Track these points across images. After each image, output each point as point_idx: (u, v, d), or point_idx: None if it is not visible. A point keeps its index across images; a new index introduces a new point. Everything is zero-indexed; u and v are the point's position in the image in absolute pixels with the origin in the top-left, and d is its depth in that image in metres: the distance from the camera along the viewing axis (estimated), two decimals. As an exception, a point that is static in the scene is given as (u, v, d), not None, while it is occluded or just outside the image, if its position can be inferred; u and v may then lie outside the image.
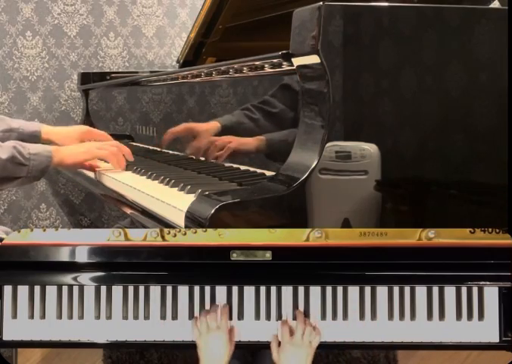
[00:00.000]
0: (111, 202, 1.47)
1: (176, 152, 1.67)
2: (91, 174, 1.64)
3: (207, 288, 1.21)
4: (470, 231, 1.13)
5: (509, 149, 1.05)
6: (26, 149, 1.33)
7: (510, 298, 1.18)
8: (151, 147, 1.84)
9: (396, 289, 1.21)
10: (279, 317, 1.20)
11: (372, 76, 1.03)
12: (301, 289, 1.21)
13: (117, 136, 2.04)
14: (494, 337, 1.19)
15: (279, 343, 1.16)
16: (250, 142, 1.33)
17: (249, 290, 1.22)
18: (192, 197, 1.10)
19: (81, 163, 1.47)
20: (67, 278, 1.19)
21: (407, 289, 1.21)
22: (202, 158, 1.50)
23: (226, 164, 1.39)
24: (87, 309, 1.22)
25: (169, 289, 1.22)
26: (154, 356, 1.68)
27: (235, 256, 1.15)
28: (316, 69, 1.00)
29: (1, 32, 2.36)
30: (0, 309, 1.21)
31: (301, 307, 1.21)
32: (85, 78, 2.42)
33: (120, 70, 2.60)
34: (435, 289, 1.20)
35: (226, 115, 1.41)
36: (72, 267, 1.18)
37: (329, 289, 1.21)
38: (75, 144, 1.56)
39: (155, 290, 1.22)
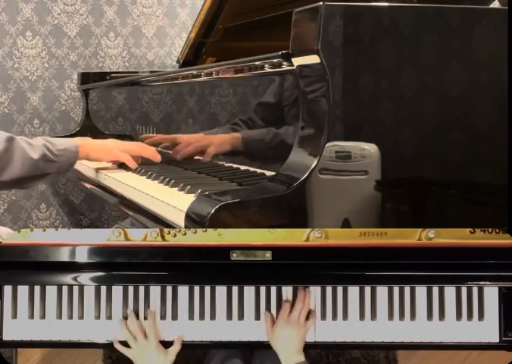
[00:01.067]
0: (110, 201, 1.47)
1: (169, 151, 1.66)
2: (91, 175, 1.64)
3: (207, 288, 1.21)
4: (470, 231, 1.13)
5: (509, 149, 1.05)
6: (55, 145, 1.34)
7: (510, 298, 1.19)
8: (150, 147, 1.84)
9: (396, 289, 1.21)
10: (279, 317, 1.20)
11: (372, 77, 1.03)
12: (301, 289, 1.21)
13: (116, 136, 2.04)
14: (494, 337, 1.19)
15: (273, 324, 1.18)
16: (226, 142, 1.36)
17: (249, 290, 1.22)
18: (191, 197, 1.10)
19: (102, 160, 1.51)
20: (67, 278, 1.19)
21: (407, 289, 1.21)
22: (201, 158, 1.50)
23: (226, 164, 1.39)
24: (87, 309, 1.22)
25: (169, 289, 1.22)
26: (154, 356, 1.67)
27: (235, 256, 1.15)
28: (316, 69, 1.00)
29: (1, 32, 2.36)
30: (0, 309, 1.21)
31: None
32: (85, 78, 2.42)
33: (120, 70, 2.59)
34: (435, 289, 1.20)
35: (215, 129, 1.45)
36: (72, 267, 1.18)
37: (329, 289, 1.21)
38: (100, 140, 1.58)
39: (155, 290, 1.22)
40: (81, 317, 1.21)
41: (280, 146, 1.14)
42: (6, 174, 1.26)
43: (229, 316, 1.21)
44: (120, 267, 1.17)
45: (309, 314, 1.19)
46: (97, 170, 1.59)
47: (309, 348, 1.19)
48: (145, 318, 1.21)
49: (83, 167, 1.73)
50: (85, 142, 1.44)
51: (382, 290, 1.21)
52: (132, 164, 1.49)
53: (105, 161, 1.56)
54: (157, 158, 1.52)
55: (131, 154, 1.50)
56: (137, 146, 1.55)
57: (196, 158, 1.53)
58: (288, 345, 1.15)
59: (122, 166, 1.57)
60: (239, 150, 1.33)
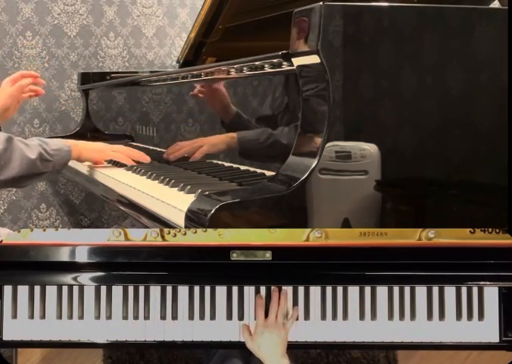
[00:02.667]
0: (112, 202, 1.47)
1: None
2: (91, 175, 1.64)
3: (207, 288, 1.21)
4: (470, 231, 1.13)
5: (509, 148, 1.05)
6: (49, 145, 1.40)
7: (510, 298, 1.19)
8: (151, 147, 1.84)
9: (396, 289, 1.21)
10: (279, 317, 1.20)
11: (372, 76, 1.03)
12: (301, 289, 1.21)
13: (117, 136, 2.04)
14: (494, 337, 1.19)
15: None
16: (222, 142, 1.38)
17: (249, 290, 1.22)
18: (192, 197, 1.10)
19: (96, 159, 1.58)
20: (67, 278, 1.19)
21: (407, 289, 1.21)
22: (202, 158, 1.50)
23: (226, 164, 1.39)
24: (87, 309, 1.22)
25: (169, 289, 1.22)
26: (154, 356, 1.67)
27: (235, 256, 1.15)
28: (316, 69, 1.00)
29: (1, 32, 2.36)
30: (0, 309, 1.21)
31: (301, 307, 1.21)
32: (85, 78, 2.42)
33: (120, 70, 2.59)
34: (435, 289, 1.20)
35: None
36: (72, 267, 1.18)
37: (329, 289, 1.21)
38: (91, 142, 1.65)
39: (155, 290, 1.22)
40: (81, 317, 1.21)
41: (274, 146, 1.15)
42: (5, 173, 1.30)
43: (229, 316, 1.21)
44: (120, 267, 1.17)
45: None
46: (94, 168, 1.60)
47: (309, 348, 1.19)
48: (145, 318, 1.21)
49: (83, 167, 1.73)
50: (77, 143, 1.50)
51: (382, 290, 1.20)
52: (128, 161, 1.54)
53: (97, 161, 1.61)
54: (147, 159, 1.56)
55: (118, 160, 1.57)
56: (126, 148, 1.60)
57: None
58: (270, 350, 1.14)
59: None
60: (234, 150, 1.34)
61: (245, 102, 1.34)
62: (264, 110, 1.25)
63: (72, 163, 1.54)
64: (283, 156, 1.06)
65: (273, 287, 1.19)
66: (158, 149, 1.77)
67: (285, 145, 1.10)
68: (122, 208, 1.38)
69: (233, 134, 1.34)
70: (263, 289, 1.21)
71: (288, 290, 1.20)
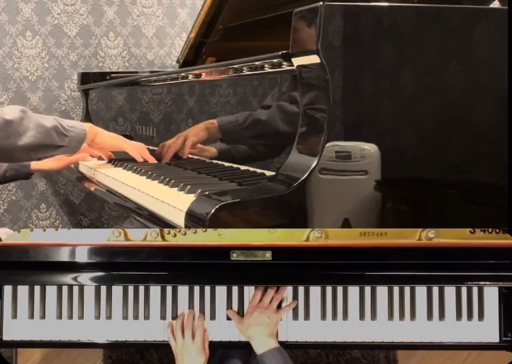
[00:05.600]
0: (110, 200, 1.47)
1: (176, 153, 1.66)
2: (91, 175, 1.64)
3: (207, 288, 1.22)
4: (470, 231, 1.13)
5: (509, 149, 1.05)
6: (64, 121, 1.43)
7: (510, 298, 1.18)
8: (151, 147, 1.84)
9: (396, 289, 1.21)
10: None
11: (372, 76, 1.03)
12: (301, 289, 1.21)
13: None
14: (494, 337, 1.19)
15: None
16: (202, 129, 1.43)
17: (249, 290, 1.22)
18: (192, 197, 1.10)
19: (109, 144, 1.58)
20: (67, 278, 1.19)
21: (407, 289, 1.21)
22: (202, 158, 1.50)
23: (226, 164, 1.39)
24: (87, 309, 1.22)
25: (169, 289, 1.22)
26: (154, 356, 1.68)
27: (235, 256, 1.15)
28: (316, 69, 1.00)
29: (1, 32, 2.36)
30: (0, 309, 1.21)
31: (301, 307, 1.21)
32: (85, 78, 2.42)
33: (120, 70, 2.59)
34: (435, 289, 1.20)
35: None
36: (72, 267, 1.18)
37: (329, 289, 1.21)
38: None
39: (155, 290, 1.22)
40: (81, 317, 1.21)
41: (255, 125, 1.15)
42: (24, 139, 1.33)
43: (228, 317, 1.21)
44: (120, 267, 1.17)
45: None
46: (95, 169, 1.60)
47: (309, 348, 1.19)
48: (145, 318, 1.21)
49: (84, 167, 1.73)
50: (93, 126, 1.54)
51: (382, 290, 1.21)
52: (138, 157, 1.57)
53: (105, 151, 1.62)
54: (152, 161, 1.59)
55: (128, 151, 1.58)
56: (134, 147, 1.60)
57: (196, 157, 1.53)
58: (259, 330, 1.15)
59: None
60: (217, 136, 1.36)
61: (245, 102, 1.34)
62: (270, 100, 1.24)
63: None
64: (265, 136, 1.07)
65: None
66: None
67: (264, 122, 1.10)
68: (122, 208, 1.38)
69: (212, 120, 1.38)
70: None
71: (288, 289, 1.20)
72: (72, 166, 1.77)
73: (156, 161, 1.59)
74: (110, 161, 1.67)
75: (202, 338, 1.17)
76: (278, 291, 1.19)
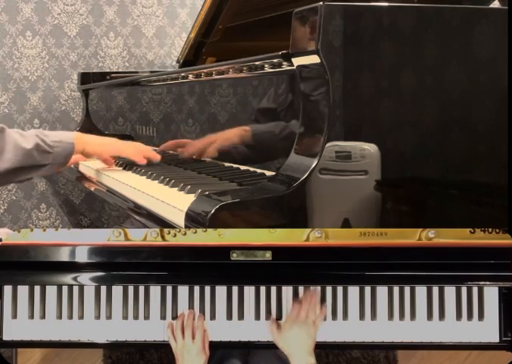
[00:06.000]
0: (110, 200, 1.47)
1: (176, 153, 1.67)
2: (91, 174, 1.64)
3: (207, 288, 1.21)
4: (470, 231, 1.13)
5: (509, 149, 1.05)
6: (49, 136, 1.34)
7: (510, 298, 1.18)
8: (151, 147, 1.84)
9: (396, 289, 1.21)
10: (280, 317, 1.20)
11: (372, 77, 1.03)
12: (301, 289, 1.21)
13: (116, 136, 2.04)
14: (494, 337, 1.19)
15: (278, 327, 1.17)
16: (235, 135, 1.34)
17: (249, 290, 1.22)
18: (192, 197, 1.10)
19: (102, 155, 1.49)
20: (67, 278, 1.19)
21: (407, 289, 1.21)
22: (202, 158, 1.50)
23: (226, 164, 1.39)
24: (87, 309, 1.22)
25: (169, 289, 1.22)
26: (154, 356, 1.67)
27: (235, 256, 1.15)
28: (316, 69, 1.00)
29: (1, 32, 2.36)
30: (0, 309, 1.21)
31: (301, 307, 1.21)
32: (85, 78, 2.42)
33: (120, 70, 2.59)
34: (435, 289, 1.20)
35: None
36: (72, 267, 1.18)
37: (329, 289, 1.21)
38: (99, 136, 1.57)
39: (155, 290, 1.22)
40: (81, 317, 1.21)
41: (289, 137, 1.13)
42: (0, 164, 1.25)
43: (229, 316, 1.21)
44: (120, 267, 1.17)
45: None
46: (97, 170, 1.60)
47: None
48: (145, 318, 1.21)
49: (84, 167, 1.73)
50: (82, 136, 1.43)
51: (382, 290, 1.20)
52: (140, 159, 1.49)
53: (101, 158, 1.54)
54: (157, 158, 1.53)
55: (128, 157, 1.51)
56: (134, 149, 1.53)
57: (196, 158, 1.53)
58: (299, 346, 1.13)
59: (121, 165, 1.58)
60: (248, 143, 1.31)
61: (245, 102, 1.34)
62: (267, 102, 1.24)
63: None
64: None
65: (310, 288, 1.19)
66: (158, 149, 1.77)
67: None
68: (122, 208, 1.38)
69: (246, 127, 1.31)
70: (263, 289, 1.21)
71: (288, 290, 1.20)
72: (72, 166, 1.77)
73: (158, 157, 1.53)
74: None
75: (202, 338, 1.17)
76: (311, 302, 1.17)
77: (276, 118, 1.21)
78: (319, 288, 1.20)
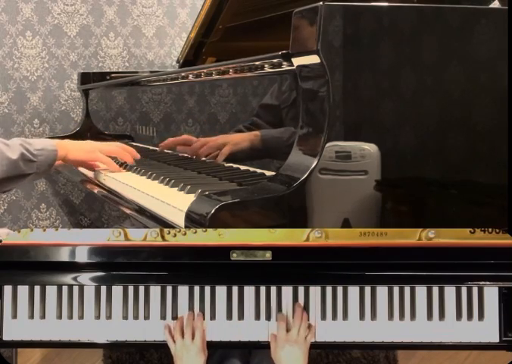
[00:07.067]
0: (111, 201, 1.47)
1: (175, 152, 1.67)
2: (91, 174, 1.64)
3: (207, 288, 1.21)
4: (470, 231, 1.13)
5: (509, 149, 1.05)
6: (32, 145, 1.33)
7: (510, 298, 1.18)
8: (151, 147, 1.84)
9: (396, 289, 1.21)
10: (279, 317, 1.20)
11: (372, 77, 1.03)
12: (301, 289, 1.21)
13: (117, 136, 2.04)
14: (494, 337, 1.19)
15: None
16: (244, 140, 1.34)
17: (249, 290, 1.22)
18: (192, 197, 1.10)
19: (83, 161, 1.48)
20: (67, 278, 1.19)
21: (407, 289, 1.21)
22: (202, 158, 1.50)
23: (226, 164, 1.39)
24: (87, 309, 1.22)
25: (169, 289, 1.22)
26: (154, 356, 1.67)
27: (235, 256, 1.15)
28: (316, 69, 1.00)
29: (1, 32, 2.36)
30: (0, 309, 1.21)
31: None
32: (85, 78, 2.42)
33: (120, 70, 2.60)
34: (435, 289, 1.20)
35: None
36: (72, 267, 1.18)
37: (329, 289, 1.21)
38: (78, 141, 1.56)
39: (155, 290, 1.22)
40: (81, 317, 1.21)
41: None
42: None
43: (229, 316, 1.21)
44: (120, 267, 1.17)
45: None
46: (97, 170, 1.60)
47: (310, 348, 1.19)
48: (145, 318, 1.21)
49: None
50: (63, 142, 1.43)
51: (382, 290, 1.20)
52: (114, 167, 1.49)
53: (84, 164, 1.53)
54: (137, 156, 1.53)
55: (111, 155, 1.50)
56: (116, 147, 1.53)
57: (196, 158, 1.53)
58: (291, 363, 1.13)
59: (121, 165, 1.57)
60: (257, 148, 1.31)
61: (245, 102, 1.34)
62: (270, 99, 1.24)
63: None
64: None
65: (297, 303, 1.19)
66: (158, 149, 1.77)
67: None
68: (122, 208, 1.38)
69: (257, 132, 1.31)
70: (263, 289, 1.21)
71: (288, 290, 1.20)
72: (73, 167, 1.77)
73: (138, 156, 1.53)
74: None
75: (202, 338, 1.17)
76: (303, 318, 1.17)
77: (278, 115, 1.21)
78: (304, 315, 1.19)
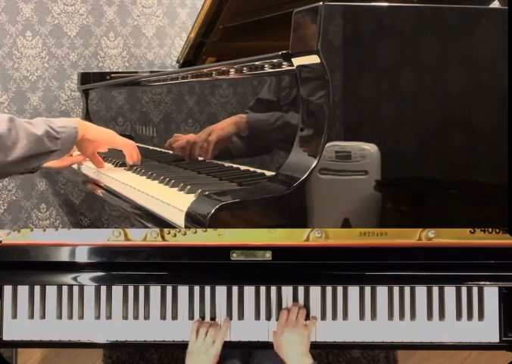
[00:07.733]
0: (111, 201, 1.47)
1: (175, 152, 1.67)
2: (91, 174, 1.64)
3: (207, 288, 1.22)
4: (470, 231, 1.13)
5: (509, 149, 1.05)
6: (54, 123, 1.36)
7: (510, 298, 1.19)
8: (151, 147, 1.84)
9: (396, 289, 1.21)
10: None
11: (372, 77, 1.03)
12: (301, 289, 1.21)
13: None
14: (494, 337, 1.19)
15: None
16: (229, 124, 1.34)
17: (249, 290, 1.22)
18: (192, 197, 1.10)
19: (101, 139, 1.50)
20: (67, 278, 1.19)
21: (407, 289, 1.21)
22: (201, 158, 1.50)
23: (226, 164, 1.39)
24: (87, 309, 1.22)
25: (169, 289, 1.22)
26: (154, 356, 1.68)
27: (235, 256, 1.15)
28: (316, 69, 1.00)
29: (1, 32, 2.36)
30: (0, 309, 1.21)
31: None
32: (85, 78, 2.42)
33: (120, 70, 2.59)
34: (435, 289, 1.20)
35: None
36: (72, 267, 1.18)
37: (329, 289, 1.21)
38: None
39: (155, 290, 1.22)
40: (81, 317, 1.22)
41: (284, 127, 1.13)
42: (14, 153, 1.24)
43: (229, 316, 1.21)
44: (120, 267, 1.17)
45: (309, 316, 1.19)
46: (98, 170, 1.60)
47: (310, 348, 1.19)
48: (145, 318, 1.21)
49: (87, 169, 1.73)
50: (82, 121, 1.47)
51: (382, 290, 1.21)
52: (129, 156, 1.51)
53: (99, 147, 1.54)
54: (138, 161, 1.55)
55: (124, 146, 1.53)
56: (131, 142, 1.56)
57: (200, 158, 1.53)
58: (292, 350, 1.13)
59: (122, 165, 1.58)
60: (243, 132, 1.31)
61: (245, 102, 1.34)
62: (267, 93, 1.24)
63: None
64: (291, 140, 1.05)
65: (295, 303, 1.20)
66: (158, 149, 1.77)
67: (294, 127, 1.08)
68: (122, 208, 1.38)
69: (242, 115, 1.31)
70: (263, 289, 1.21)
71: (288, 290, 1.20)
72: (75, 167, 1.77)
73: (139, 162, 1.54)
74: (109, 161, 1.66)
75: (220, 344, 1.17)
76: (301, 306, 1.18)
77: (274, 111, 1.21)
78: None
